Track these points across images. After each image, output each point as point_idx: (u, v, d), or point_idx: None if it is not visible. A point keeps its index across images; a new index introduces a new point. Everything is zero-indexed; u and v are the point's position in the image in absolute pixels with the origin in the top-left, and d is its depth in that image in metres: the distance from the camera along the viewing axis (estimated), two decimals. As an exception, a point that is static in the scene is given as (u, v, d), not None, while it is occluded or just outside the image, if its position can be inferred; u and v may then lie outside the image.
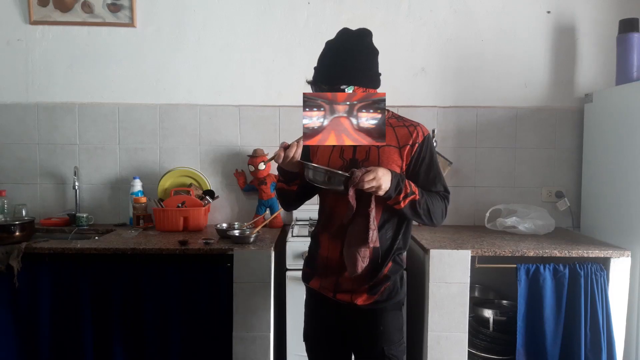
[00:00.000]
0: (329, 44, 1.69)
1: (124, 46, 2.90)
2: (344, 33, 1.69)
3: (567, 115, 2.95)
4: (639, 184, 2.37)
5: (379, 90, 1.69)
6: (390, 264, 1.71)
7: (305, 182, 1.67)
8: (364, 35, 1.68)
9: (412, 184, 1.64)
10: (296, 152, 1.60)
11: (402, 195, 1.59)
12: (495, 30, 2.94)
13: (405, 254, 1.80)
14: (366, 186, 1.53)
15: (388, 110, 1.74)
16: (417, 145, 1.68)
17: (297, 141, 1.60)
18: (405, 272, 1.82)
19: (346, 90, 1.60)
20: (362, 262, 1.62)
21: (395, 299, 1.74)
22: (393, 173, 1.59)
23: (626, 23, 2.65)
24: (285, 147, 1.61)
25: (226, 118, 2.93)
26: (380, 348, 1.71)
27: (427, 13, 2.92)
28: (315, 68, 1.69)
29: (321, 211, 1.81)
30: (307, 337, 1.87)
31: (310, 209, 2.75)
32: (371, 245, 1.61)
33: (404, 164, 1.69)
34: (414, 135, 1.69)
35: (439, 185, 1.74)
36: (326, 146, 1.71)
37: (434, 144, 2.78)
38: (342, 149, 1.70)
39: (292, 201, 1.85)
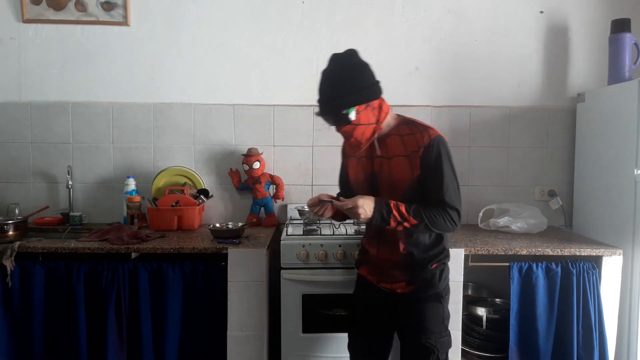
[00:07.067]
0: (323, 74, 1.72)
1: (118, 45, 2.89)
2: (332, 60, 1.72)
3: (560, 114, 2.98)
4: (631, 183, 2.39)
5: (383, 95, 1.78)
6: (428, 260, 1.80)
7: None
8: (349, 56, 1.71)
9: (407, 212, 1.68)
10: (323, 211, 1.81)
11: (393, 224, 1.69)
12: (489, 30, 2.95)
13: (444, 247, 1.85)
14: (347, 212, 1.73)
15: (398, 116, 1.82)
16: (422, 149, 1.69)
17: (324, 202, 1.80)
18: (446, 265, 1.86)
19: (348, 113, 1.66)
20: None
21: (432, 290, 1.81)
22: (378, 203, 1.69)
23: (618, 23, 2.68)
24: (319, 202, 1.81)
25: (220, 117, 2.93)
26: (417, 336, 1.79)
27: (421, 13, 2.93)
28: (318, 101, 1.72)
29: None
30: (352, 321, 2.02)
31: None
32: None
33: (417, 172, 1.71)
34: (420, 139, 1.71)
35: (440, 195, 1.69)
36: (355, 163, 1.89)
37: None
38: (364, 163, 1.84)
39: (341, 220, 2.05)
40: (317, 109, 1.72)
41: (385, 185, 1.77)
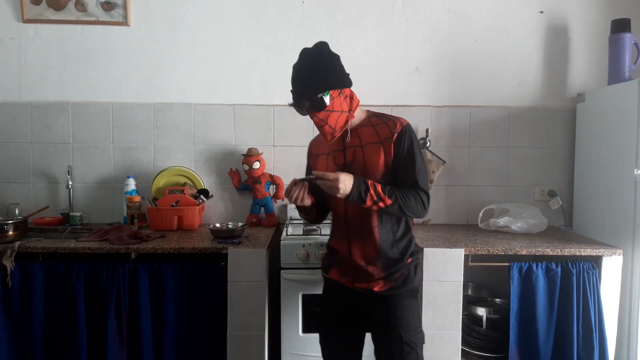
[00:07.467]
0: (295, 67, 1.77)
1: (118, 45, 2.89)
2: (303, 53, 1.79)
3: (560, 114, 2.98)
4: (631, 183, 2.39)
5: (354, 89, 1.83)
6: (402, 253, 1.81)
7: (320, 201, 1.88)
8: (320, 48, 1.79)
9: (383, 191, 1.69)
10: (302, 195, 1.76)
11: (369, 202, 1.69)
12: (489, 30, 2.95)
13: (412, 237, 1.87)
14: (326, 185, 1.68)
15: (368, 110, 1.89)
16: (396, 134, 1.75)
17: (299, 183, 1.76)
18: (419, 260, 1.88)
19: (323, 97, 1.70)
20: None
21: (410, 285, 1.82)
22: (357, 180, 1.69)
23: (618, 23, 2.67)
24: (294, 184, 1.76)
25: (220, 117, 2.93)
26: (398, 333, 1.78)
27: (421, 13, 2.93)
28: (292, 91, 1.76)
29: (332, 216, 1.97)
30: (322, 323, 1.99)
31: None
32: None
33: (390, 158, 1.75)
34: (392, 126, 1.77)
35: (413, 179, 1.74)
36: (324, 160, 1.89)
37: (427, 142, 2.92)
38: (334, 156, 1.85)
39: (316, 220, 2.05)
40: (290, 100, 1.76)
41: (359, 175, 1.77)
